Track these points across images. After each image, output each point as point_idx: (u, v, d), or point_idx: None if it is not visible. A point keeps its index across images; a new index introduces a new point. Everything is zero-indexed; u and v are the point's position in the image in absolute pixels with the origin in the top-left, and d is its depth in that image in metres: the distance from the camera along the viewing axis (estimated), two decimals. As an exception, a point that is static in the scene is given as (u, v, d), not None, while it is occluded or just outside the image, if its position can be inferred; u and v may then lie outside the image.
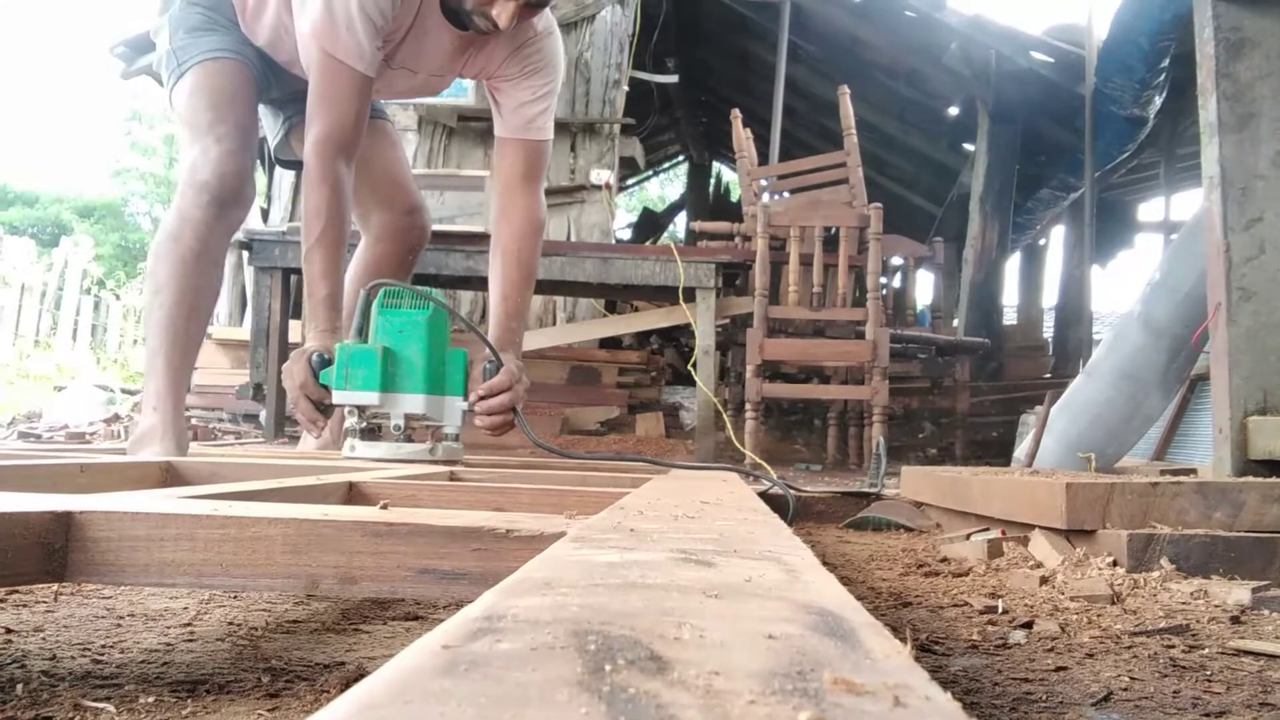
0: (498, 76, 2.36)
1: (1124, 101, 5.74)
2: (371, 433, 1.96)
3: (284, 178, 6.55)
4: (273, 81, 2.45)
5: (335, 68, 2.10)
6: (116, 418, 5.41)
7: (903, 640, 0.49)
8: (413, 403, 1.91)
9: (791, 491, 2.36)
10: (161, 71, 2.40)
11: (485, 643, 0.34)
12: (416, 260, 2.75)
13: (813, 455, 5.03)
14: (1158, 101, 5.80)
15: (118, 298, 15.87)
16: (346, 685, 0.82)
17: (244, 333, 5.69)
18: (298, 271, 4.68)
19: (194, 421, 4.96)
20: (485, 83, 2.42)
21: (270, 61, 2.42)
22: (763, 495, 2.08)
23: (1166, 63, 5.42)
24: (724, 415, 4.28)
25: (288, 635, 1.08)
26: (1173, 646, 1.11)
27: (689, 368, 4.51)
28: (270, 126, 2.62)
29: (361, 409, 1.91)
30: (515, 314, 2.29)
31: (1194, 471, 2.93)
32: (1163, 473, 2.75)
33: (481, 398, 2.05)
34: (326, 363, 1.93)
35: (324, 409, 1.98)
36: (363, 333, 1.94)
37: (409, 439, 1.93)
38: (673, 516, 0.87)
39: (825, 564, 0.61)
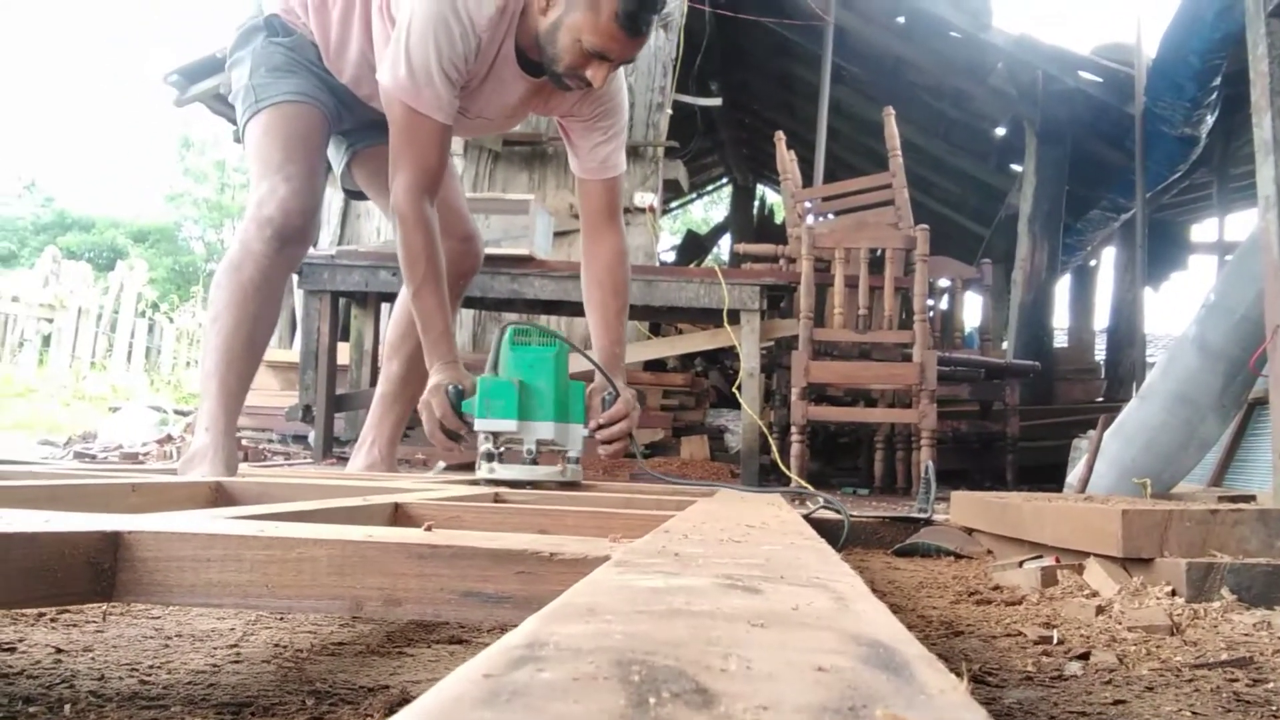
0: (570, 116, 2.46)
1: (1175, 121, 5.64)
2: (504, 457, 2.12)
3: (332, 202, 6.64)
4: (344, 115, 2.51)
5: (418, 120, 2.21)
6: (169, 438, 5.49)
7: (957, 674, 0.47)
8: (544, 429, 2.10)
9: (848, 515, 2.33)
10: (236, 104, 2.45)
11: (527, 672, 0.34)
12: (468, 285, 2.80)
13: (859, 479, 4.97)
14: (1209, 120, 5.70)
15: (171, 320, 16.18)
16: (390, 709, 0.81)
17: (293, 355, 5.76)
18: (346, 295, 4.75)
19: (244, 442, 5.02)
20: (557, 119, 2.52)
21: (344, 98, 2.48)
22: (807, 518, 2.06)
23: (1218, 81, 5.33)
24: (769, 438, 4.25)
25: (333, 657, 1.08)
26: (1236, 680, 1.08)
27: (734, 390, 4.48)
28: (334, 155, 2.67)
29: (498, 435, 2.09)
30: (618, 340, 2.45)
31: (1253, 498, 2.85)
32: (1221, 499, 2.68)
33: (603, 425, 2.23)
34: (460, 393, 2.12)
35: (458, 437, 2.16)
36: (495, 366, 2.13)
37: (534, 462, 2.10)
38: (718, 540, 0.86)
39: (874, 591, 0.59)
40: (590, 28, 2.10)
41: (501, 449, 2.09)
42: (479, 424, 2.07)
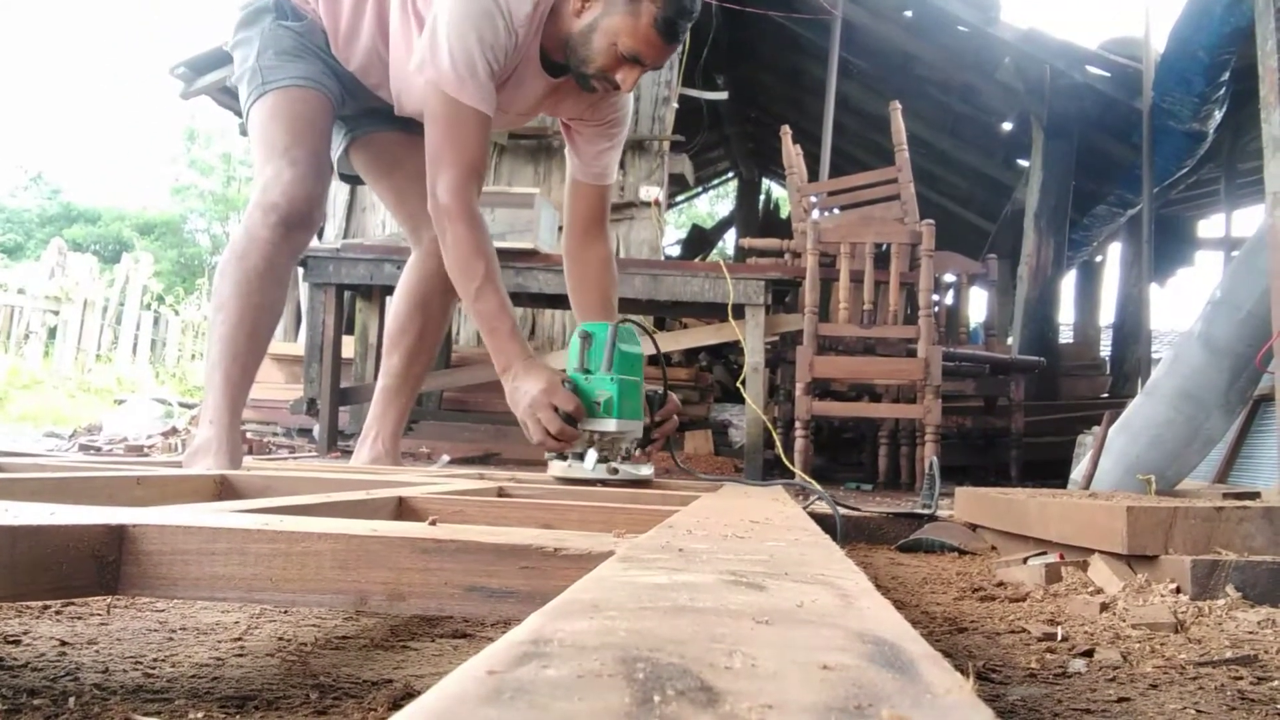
0: (578, 119, 2.46)
1: (1183, 116, 5.63)
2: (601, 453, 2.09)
3: (338, 195, 6.64)
4: (347, 101, 2.50)
5: (461, 112, 2.16)
6: (174, 431, 5.50)
7: (962, 672, 0.47)
8: (638, 428, 2.13)
9: (840, 510, 2.32)
10: (241, 85, 2.42)
11: (531, 668, 0.34)
12: None
13: (863, 474, 4.97)
14: (1218, 116, 5.68)
15: (176, 313, 16.20)
16: (394, 704, 0.81)
17: (298, 348, 5.77)
18: (351, 288, 4.75)
19: (248, 435, 5.03)
20: (561, 120, 2.53)
21: (348, 84, 2.46)
22: (810, 513, 2.05)
23: (1226, 76, 5.31)
24: (773, 433, 4.25)
25: (337, 651, 1.08)
26: (1240, 678, 1.07)
27: (738, 385, 4.49)
28: (333, 140, 2.66)
29: (604, 435, 2.05)
30: None
31: (1258, 495, 2.85)
32: (1226, 496, 2.68)
33: (658, 423, 2.25)
34: (575, 388, 2.05)
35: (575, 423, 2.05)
36: (610, 365, 2.06)
37: (605, 458, 2.07)
38: (722, 536, 0.86)
39: (878, 587, 0.59)
40: (629, 31, 2.10)
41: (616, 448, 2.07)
42: (617, 424, 2.03)
